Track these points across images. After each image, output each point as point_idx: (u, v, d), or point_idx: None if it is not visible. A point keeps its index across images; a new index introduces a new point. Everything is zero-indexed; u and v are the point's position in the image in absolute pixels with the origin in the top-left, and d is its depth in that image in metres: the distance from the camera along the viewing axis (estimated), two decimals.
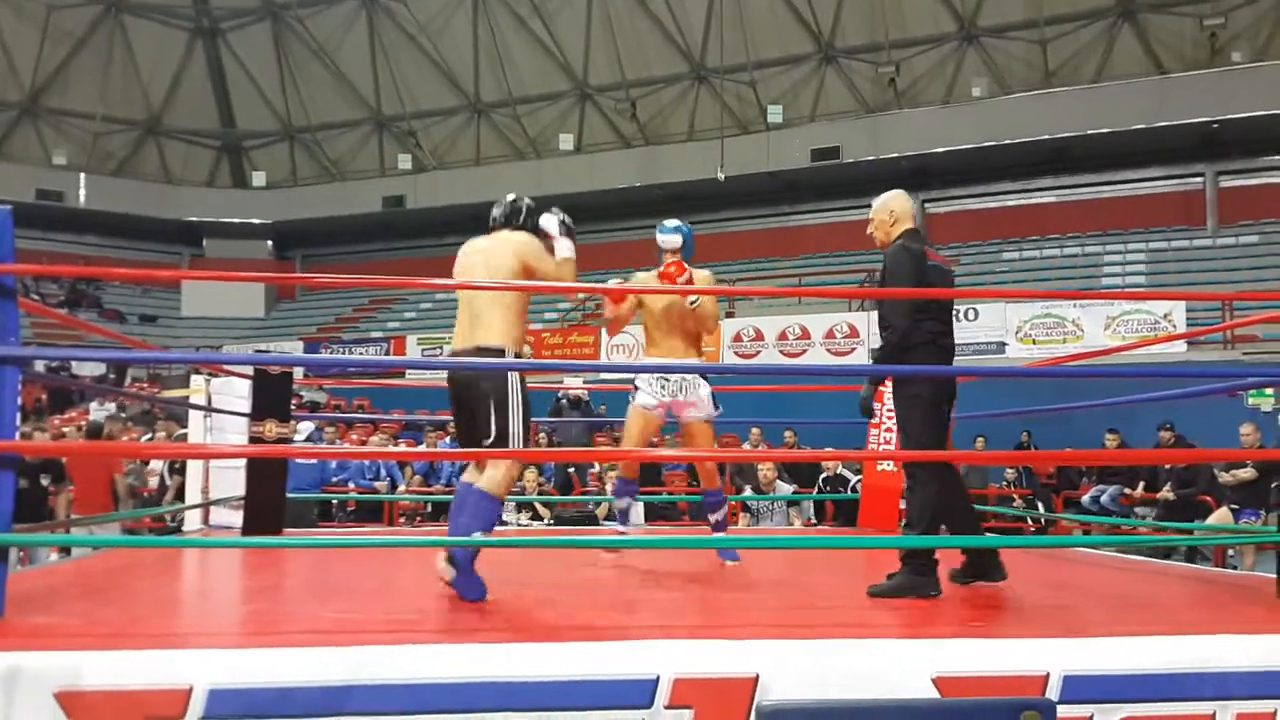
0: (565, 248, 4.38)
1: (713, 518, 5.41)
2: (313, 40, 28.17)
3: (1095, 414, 11.39)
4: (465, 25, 26.81)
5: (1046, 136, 20.98)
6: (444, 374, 4.30)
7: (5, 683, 2.51)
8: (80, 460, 8.81)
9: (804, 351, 18.12)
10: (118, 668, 2.56)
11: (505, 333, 4.04)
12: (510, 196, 4.54)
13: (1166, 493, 10.60)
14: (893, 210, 4.65)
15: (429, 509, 11.30)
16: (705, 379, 5.36)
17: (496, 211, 4.50)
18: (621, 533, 5.57)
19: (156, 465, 10.64)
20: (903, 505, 5.52)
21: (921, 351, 4.22)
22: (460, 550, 3.84)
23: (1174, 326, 15.51)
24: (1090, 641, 3.02)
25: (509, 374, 3.97)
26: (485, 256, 4.24)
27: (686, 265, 5.26)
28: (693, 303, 5.22)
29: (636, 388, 5.36)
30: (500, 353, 3.99)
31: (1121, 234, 21.14)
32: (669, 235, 5.37)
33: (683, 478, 12.70)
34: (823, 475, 10.05)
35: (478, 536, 3.91)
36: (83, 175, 27.10)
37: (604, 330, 5.73)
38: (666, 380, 5.28)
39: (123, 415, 15.31)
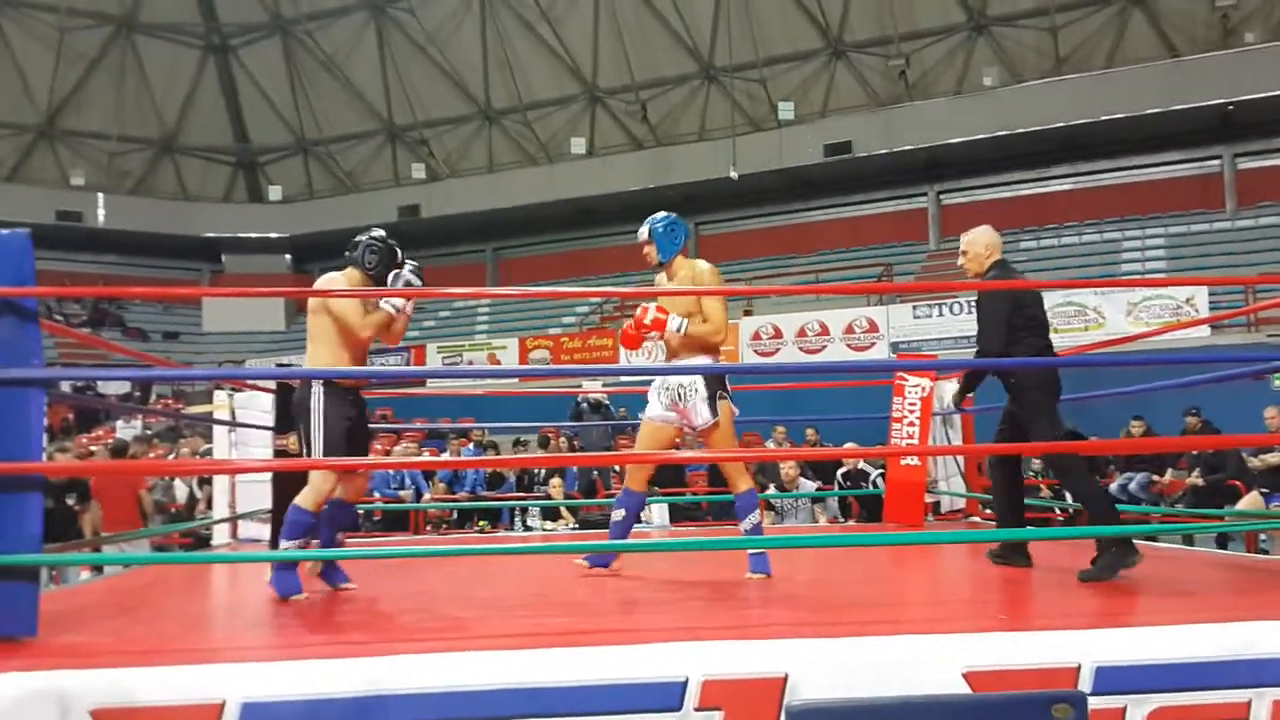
0: (386, 305, 4.56)
1: (742, 526, 4.77)
2: (322, 53, 28.32)
3: (1119, 402, 11.31)
4: (474, 33, 26.89)
5: (1060, 124, 20.85)
6: (465, 381, 4.37)
7: (43, 702, 2.53)
8: (107, 478, 8.88)
9: (824, 348, 18.08)
10: (152, 684, 2.58)
11: (314, 360, 4.56)
12: (363, 236, 4.67)
13: (1195, 479, 10.51)
14: (987, 244, 5.05)
15: (454, 516, 11.33)
16: (705, 382, 4.77)
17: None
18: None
19: (184, 482, 10.72)
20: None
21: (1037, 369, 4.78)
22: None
23: (1196, 311, 15.38)
24: (1121, 631, 3.00)
25: (311, 397, 4.47)
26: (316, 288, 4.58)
27: (662, 264, 4.90)
28: (678, 329, 4.73)
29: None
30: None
31: (1140, 219, 20.99)
32: (641, 229, 4.93)
33: (705, 478, 12.70)
34: (842, 470, 10.01)
35: (287, 547, 4.34)
36: (101, 195, 27.32)
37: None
38: (665, 388, 4.89)
39: (148, 432, 15.42)
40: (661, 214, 4.97)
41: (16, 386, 3.32)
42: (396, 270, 4.60)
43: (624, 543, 5.07)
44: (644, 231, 4.92)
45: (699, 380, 4.74)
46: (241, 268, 28.92)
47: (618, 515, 5.04)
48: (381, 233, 4.66)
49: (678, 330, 4.71)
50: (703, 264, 4.89)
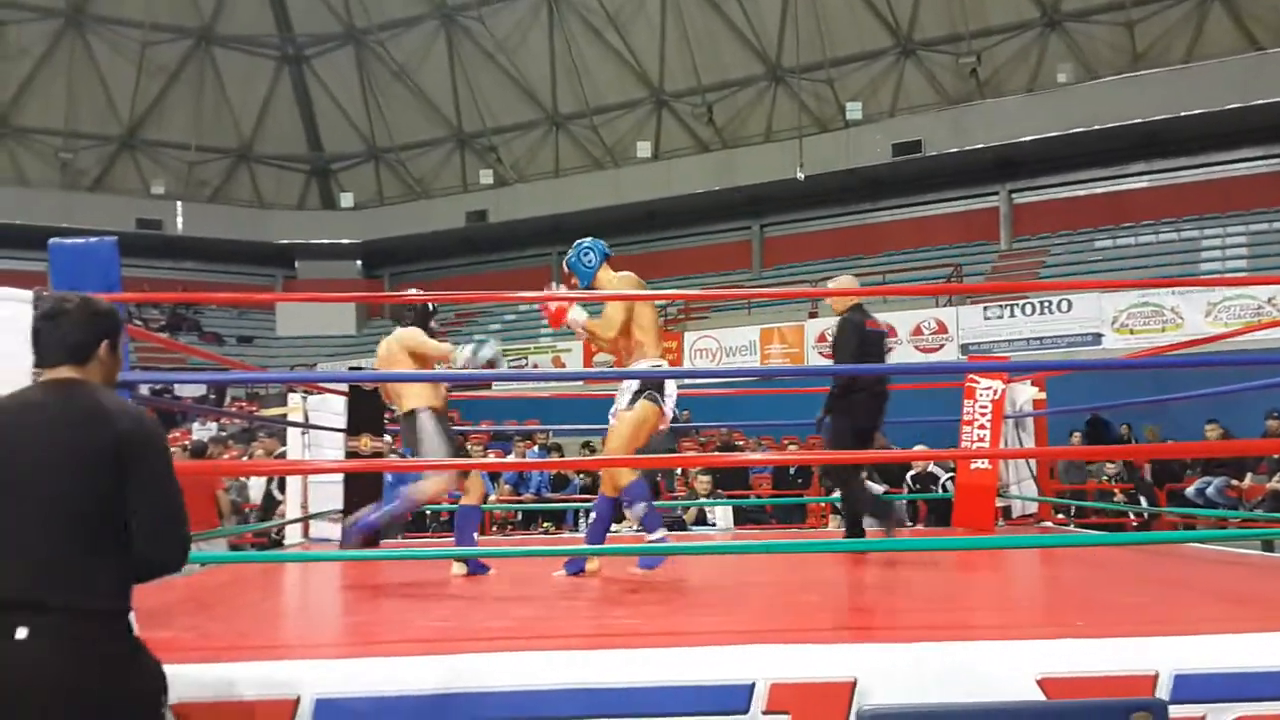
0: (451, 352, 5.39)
1: (632, 515, 5.08)
2: (394, 62, 28.76)
3: (1198, 405, 11.02)
4: (542, 39, 27.10)
5: (1137, 120, 20.34)
6: (529, 385, 4.50)
7: None
8: (186, 479, 9.08)
9: (891, 349, 17.84)
10: (229, 679, 2.65)
11: (418, 395, 5.31)
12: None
13: (1276, 483, 10.20)
14: (846, 288, 6.23)
15: (519, 517, 11.42)
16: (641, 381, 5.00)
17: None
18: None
19: (257, 481, 10.94)
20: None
21: (861, 394, 5.92)
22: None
23: (1278, 311, 14.93)
24: (1201, 639, 2.93)
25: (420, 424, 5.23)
26: (385, 346, 5.48)
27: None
28: (580, 319, 5.12)
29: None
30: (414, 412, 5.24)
31: (1219, 217, 20.41)
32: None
33: (769, 480, 12.63)
34: (911, 473, 9.89)
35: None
36: (180, 203, 28.06)
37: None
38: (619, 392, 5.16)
39: (224, 434, 15.78)
40: (578, 243, 5.29)
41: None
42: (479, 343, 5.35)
43: (666, 545, 5.07)
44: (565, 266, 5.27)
45: (635, 382, 5.00)
46: (314, 273, 29.48)
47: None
48: (426, 303, 5.67)
49: (574, 322, 5.12)
50: (624, 274, 5.26)
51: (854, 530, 6.07)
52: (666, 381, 5.05)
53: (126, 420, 2.24)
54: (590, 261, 5.23)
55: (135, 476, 2.21)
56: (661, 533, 4.99)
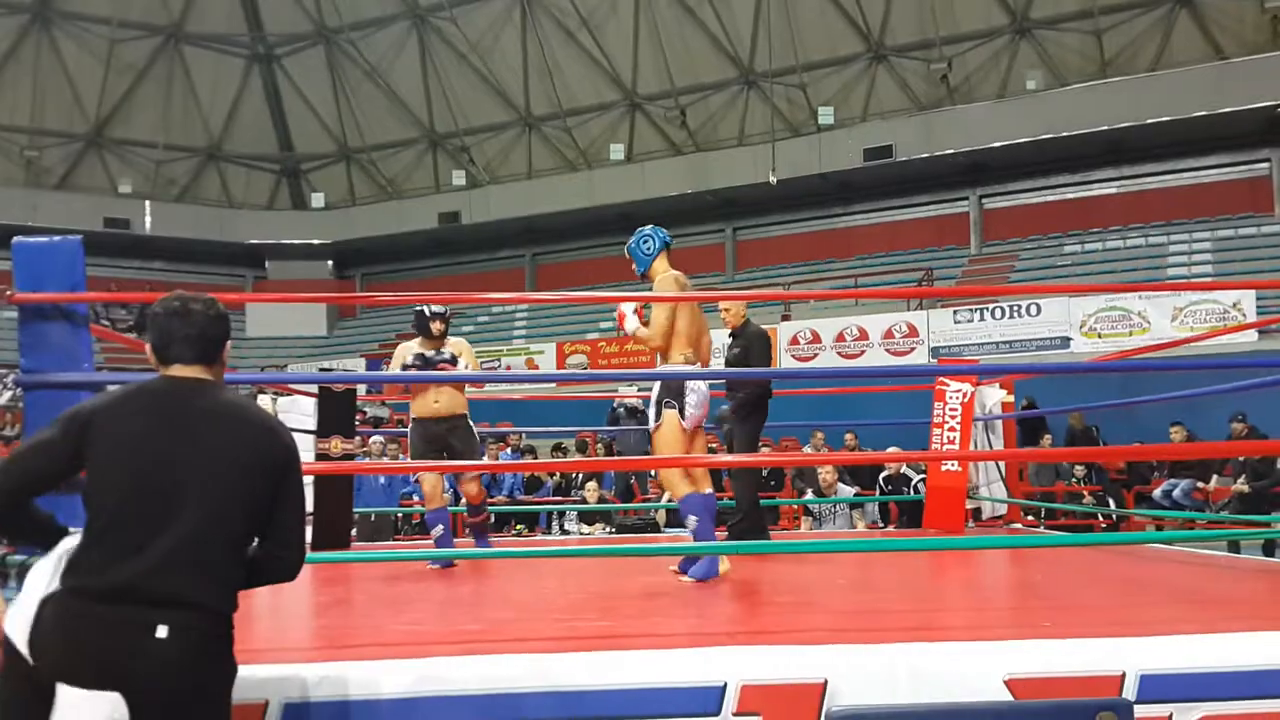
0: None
1: (688, 526, 4.87)
2: (365, 62, 28.60)
3: (1164, 408, 11.15)
4: (514, 41, 27.04)
5: (1105, 127, 20.55)
6: (503, 386, 4.51)
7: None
8: None
9: (863, 352, 17.97)
10: None
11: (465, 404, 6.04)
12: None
13: (1241, 485, 10.34)
14: (744, 305, 6.72)
15: (492, 520, 11.36)
16: (657, 389, 4.95)
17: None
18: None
19: None
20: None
21: (766, 403, 6.46)
22: None
23: (1244, 315, 15.12)
24: (1167, 639, 2.96)
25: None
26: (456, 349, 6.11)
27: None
28: (631, 331, 5.03)
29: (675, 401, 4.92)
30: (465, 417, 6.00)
31: (1186, 223, 20.67)
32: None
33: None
34: (883, 474, 9.93)
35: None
36: (148, 202, 27.76)
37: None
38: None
39: None
40: (639, 229, 5.25)
41: (68, 389, 3.39)
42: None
43: (638, 546, 5.08)
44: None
45: (658, 387, 4.94)
46: (284, 274, 29.26)
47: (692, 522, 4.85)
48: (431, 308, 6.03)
49: (631, 331, 5.03)
50: (668, 274, 5.09)
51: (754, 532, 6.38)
52: (687, 384, 4.86)
53: (287, 434, 2.40)
54: (649, 249, 5.15)
55: (287, 491, 2.35)
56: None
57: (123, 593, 2.14)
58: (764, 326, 6.99)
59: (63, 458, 2.25)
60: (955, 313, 17.95)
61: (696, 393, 4.90)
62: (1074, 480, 11.92)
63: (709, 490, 4.89)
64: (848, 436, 12.70)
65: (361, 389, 10.68)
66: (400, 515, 10.78)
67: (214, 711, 2.27)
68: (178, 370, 2.34)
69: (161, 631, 2.14)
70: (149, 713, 2.15)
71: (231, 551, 2.26)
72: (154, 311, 2.37)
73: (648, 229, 5.21)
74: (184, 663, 2.17)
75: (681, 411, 4.81)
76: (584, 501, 10.29)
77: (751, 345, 6.50)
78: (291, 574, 2.43)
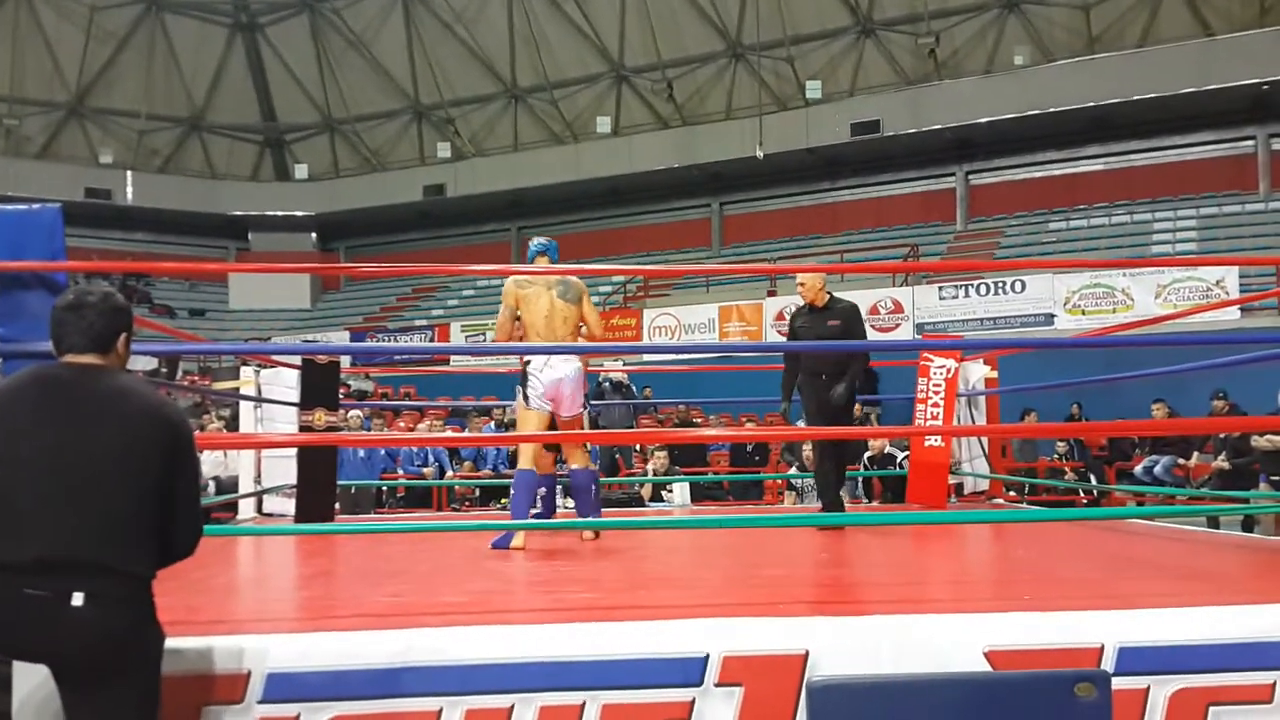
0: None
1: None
2: (350, 32, 28.34)
3: (1146, 385, 11.20)
4: (500, 11, 26.82)
5: (1091, 103, 20.58)
6: (487, 359, 4.49)
7: None
8: None
9: None
10: (180, 653, 2.61)
11: None
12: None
13: (1221, 462, 10.42)
14: (824, 278, 6.39)
15: (477, 494, 11.39)
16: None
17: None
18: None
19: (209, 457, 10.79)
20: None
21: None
22: None
23: (1227, 293, 15.20)
24: (1145, 613, 2.98)
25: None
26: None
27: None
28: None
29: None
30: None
31: (1171, 200, 20.72)
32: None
33: (726, 457, 12.70)
34: (868, 454, 9.93)
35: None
36: (129, 173, 27.52)
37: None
38: None
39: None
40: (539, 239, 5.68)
41: (47, 359, 3.36)
42: None
43: (623, 520, 5.10)
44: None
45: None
46: (268, 246, 29.08)
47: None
48: None
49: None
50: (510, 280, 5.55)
51: (836, 504, 6.34)
52: (529, 372, 5.26)
53: (177, 413, 2.47)
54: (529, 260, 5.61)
55: (181, 466, 2.42)
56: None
57: (35, 566, 2.21)
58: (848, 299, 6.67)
59: None
60: (940, 289, 17.98)
61: (542, 384, 5.24)
62: (1056, 456, 12.01)
63: (530, 468, 5.28)
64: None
65: (346, 361, 10.65)
66: (385, 489, 10.79)
67: (139, 678, 2.33)
68: (70, 358, 2.45)
69: (78, 599, 2.21)
70: (73, 680, 2.26)
71: (135, 521, 2.33)
72: (54, 307, 2.50)
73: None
74: (102, 629, 2.24)
75: (525, 397, 5.26)
76: (568, 476, 10.29)
77: (850, 321, 6.28)
78: (187, 547, 2.48)
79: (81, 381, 2.40)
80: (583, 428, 5.82)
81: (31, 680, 2.48)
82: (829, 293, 6.36)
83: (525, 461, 5.31)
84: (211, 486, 9.09)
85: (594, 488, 5.48)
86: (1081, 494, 11.02)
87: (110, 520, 2.29)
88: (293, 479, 6.46)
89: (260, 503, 7.15)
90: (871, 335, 17.62)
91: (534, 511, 5.73)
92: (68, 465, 2.29)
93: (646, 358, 15.90)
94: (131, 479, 2.33)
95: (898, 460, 9.61)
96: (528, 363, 5.26)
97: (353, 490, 9.26)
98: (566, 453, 5.62)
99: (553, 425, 5.37)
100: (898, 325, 17.87)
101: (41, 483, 2.27)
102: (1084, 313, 16.58)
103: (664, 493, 9.62)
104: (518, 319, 5.35)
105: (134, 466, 2.33)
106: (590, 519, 5.24)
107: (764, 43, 24.02)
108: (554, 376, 5.23)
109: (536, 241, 5.62)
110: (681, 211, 26.26)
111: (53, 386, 2.39)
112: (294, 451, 6.53)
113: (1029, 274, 17.23)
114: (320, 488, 6.34)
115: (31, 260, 3.60)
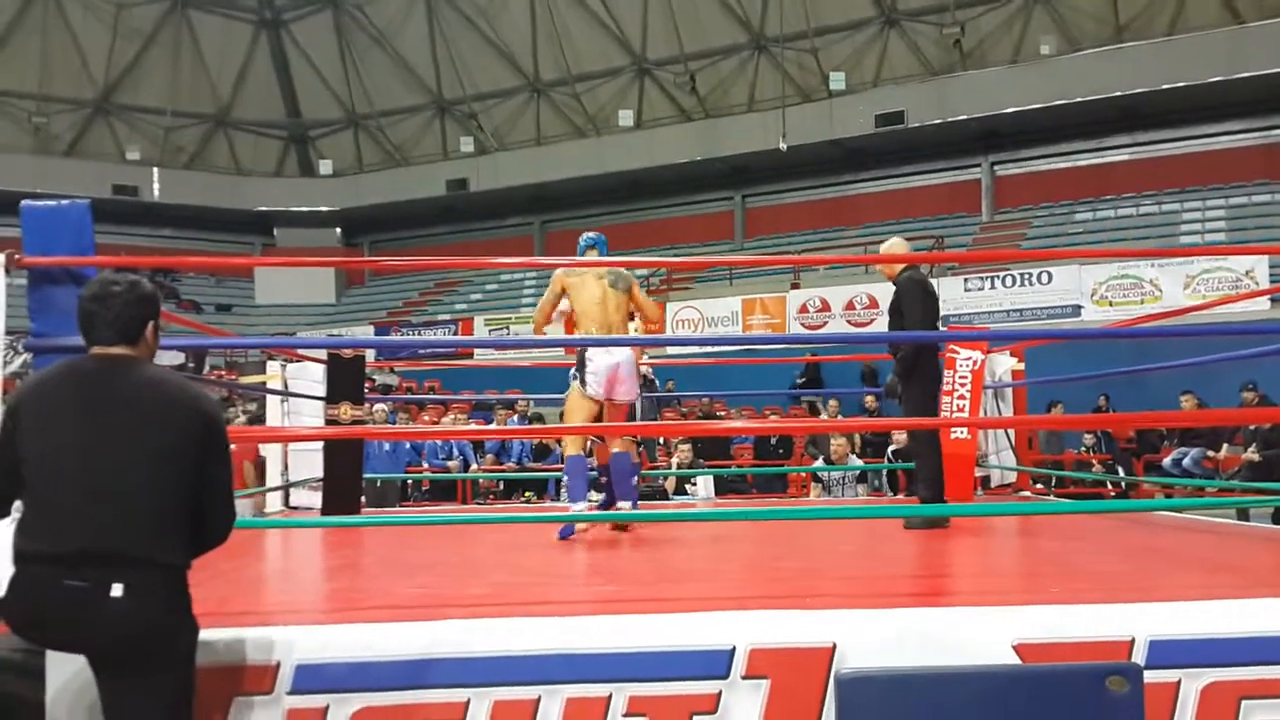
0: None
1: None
2: (373, 28, 28.41)
3: (1174, 376, 11.09)
4: (522, 5, 26.81)
5: (1119, 93, 20.35)
6: (511, 353, 4.51)
7: None
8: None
9: (872, 320, 17.89)
10: (210, 644, 2.63)
11: None
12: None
13: (1252, 454, 10.31)
14: (900, 248, 6.03)
15: (501, 487, 11.43)
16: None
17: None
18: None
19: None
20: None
21: (929, 356, 5.76)
22: None
23: (1256, 283, 15.02)
24: (1176, 605, 2.96)
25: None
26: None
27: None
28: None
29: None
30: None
31: (1200, 190, 20.49)
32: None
33: (750, 450, 12.68)
34: (892, 449, 9.89)
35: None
36: (156, 169, 27.73)
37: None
38: None
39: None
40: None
41: (77, 353, 3.38)
42: None
43: (646, 513, 5.13)
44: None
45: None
46: (292, 241, 29.21)
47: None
48: None
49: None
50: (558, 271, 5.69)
51: (937, 497, 5.65)
52: (588, 359, 5.38)
53: (209, 403, 2.51)
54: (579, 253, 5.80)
55: (214, 455, 2.46)
56: (582, 505, 5.40)
57: (76, 558, 2.25)
58: (925, 276, 6.10)
59: (10, 448, 2.38)
60: (966, 280, 17.87)
61: (600, 368, 5.34)
62: (1083, 448, 11.92)
63: (578, 453, 5.55)
64: (869, 399, 12.55)
65: (370, 355, 10.70)
66: (410, 482, 10.84)
67: (175, 668, 2.37)
68: (99, 350, 2.47)
69: (117, 590, 2.25)
70: (110, 670, 2.30)
71: (171, 512, 2.37)
72: (80, 298, 2.51)
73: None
74: (140, 620, 2.28)
75: (583, 382, 5.38)
76: (592, 469, 10.30)
77: (901, 298, 5.77)
78: (220, 536, 2.52)
79: (113, 374, 2.42)
80: (634, 415, 5.93)
81: (66, 670, 2.51)
82: (901, 268, 5.88)
83: (574, 448, 5.53)
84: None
85: (634, 473, 5.62)
86: (1109, 486, 10.93)
87: (148, 512, 2.33)
88: (319, 472, 6.50)
89: (287, 496, 7.20)
90: None
91: (595, 500, 5.96)
92: (104, 458, 2.32)
93: (670, 351, 15.88)
94: (167, 469, 2.36)
95: None
96: (583, 350, 5.37)
97: (378, 483, 9.32)
98: (610, 437, 5.71)
99: (599, 416, 5.46)
100: None
101: (80, 477, 2.31)
102: (1111, 304, 16.44)
103: (688, 486, 9.62)
104: (564, 310, 5.49)
105: (169, 457, 2.36)
106: (628, 502, 5.43)
107: (787, 34, 23.90)
108: (610, 361, 5.34)
109: (586, 236, 5.79)
110: (704, 204, 26.19)
111: (84, 380, 2.42)
112: (320, 445, 6.56)
113: (1055, 265, 17.09)
114: (346, 481, 6.37)
115: (61, 255, 3.63)
